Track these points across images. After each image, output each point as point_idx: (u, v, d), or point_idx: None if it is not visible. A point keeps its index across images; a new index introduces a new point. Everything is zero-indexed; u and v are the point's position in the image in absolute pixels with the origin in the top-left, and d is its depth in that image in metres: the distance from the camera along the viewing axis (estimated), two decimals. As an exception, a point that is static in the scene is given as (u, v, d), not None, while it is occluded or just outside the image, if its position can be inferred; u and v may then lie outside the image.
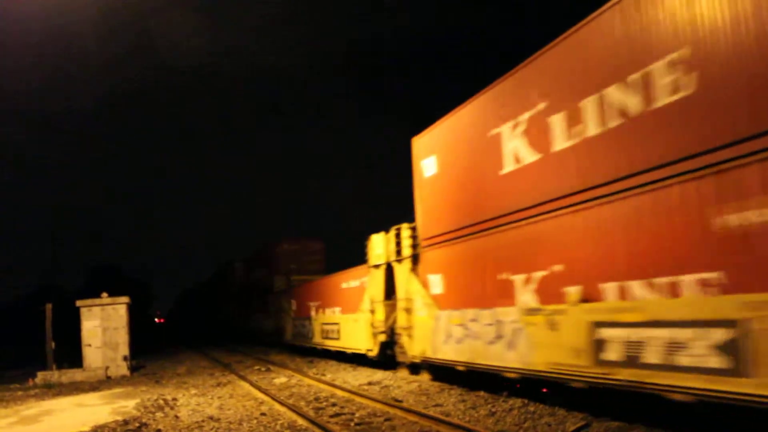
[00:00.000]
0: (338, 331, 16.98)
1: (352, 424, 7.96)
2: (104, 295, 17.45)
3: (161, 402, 10.66)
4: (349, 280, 16.42)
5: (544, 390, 8.26)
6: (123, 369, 16.88)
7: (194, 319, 61.57)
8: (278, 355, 21.31)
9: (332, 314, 17.57)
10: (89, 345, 16.88)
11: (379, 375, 12.97)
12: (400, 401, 9.31)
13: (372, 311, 14.11)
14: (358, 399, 9.94)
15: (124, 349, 17.06)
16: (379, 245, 13.56)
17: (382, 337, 13.68)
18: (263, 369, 16.28)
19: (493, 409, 8.09)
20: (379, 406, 9.11)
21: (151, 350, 28.18)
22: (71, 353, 18.23)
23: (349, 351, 15.84)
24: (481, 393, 9.41)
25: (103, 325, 17.01)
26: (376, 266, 13.83)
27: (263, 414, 9.00)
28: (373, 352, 14.06)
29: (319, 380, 12.68)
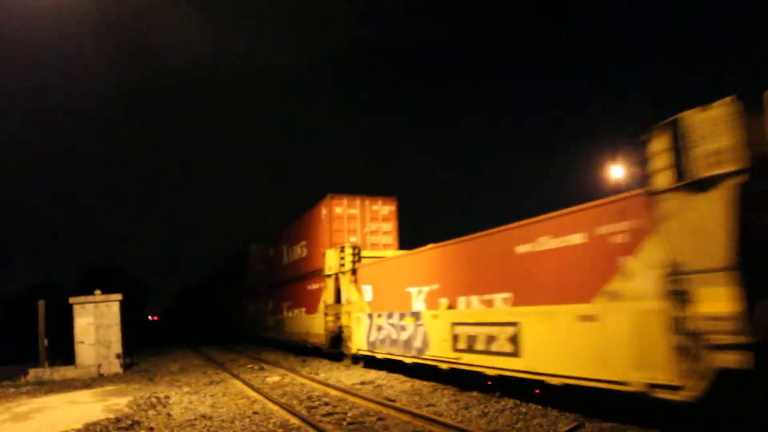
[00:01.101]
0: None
1: (345, 423, 7.95)
2: (98, 292, 17.40)
3: (154, 400, 10.63)
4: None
5: (537, 391, 8.28)
6: (116, 367, 16.83)
7: (192, 318, 61.34)
8: (272, 353, 21.29)
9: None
10: (82, 342, 16.82)
11: (372, 374, 12.97)
12: (393, 401, 9.32)
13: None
14: (350, 398, 9.94)
15: (117, 347, 17.01)
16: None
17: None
18: (256, 368, 16.27)
19: (486, 410, 8.10)
20: (371, 405, 9.11)
21: (145, 348, 28.09)
22: (65, 351, 18.16)
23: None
24: (474, 393, 9.42)
25: (96, 323, 16.96)
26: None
27: (256, 413, 8.99)
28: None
29: (312, 379, 12.68)
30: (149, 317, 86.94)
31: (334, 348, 16.37)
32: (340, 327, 15.94)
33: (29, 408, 10.80)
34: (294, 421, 8.19)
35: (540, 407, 7.92)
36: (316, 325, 17.78)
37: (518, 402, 8.33)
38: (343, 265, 15.55)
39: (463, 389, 9.84)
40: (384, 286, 13.38)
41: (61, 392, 13.02)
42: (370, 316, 13.69)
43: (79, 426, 8.48)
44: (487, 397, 9.03)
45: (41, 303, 17.18)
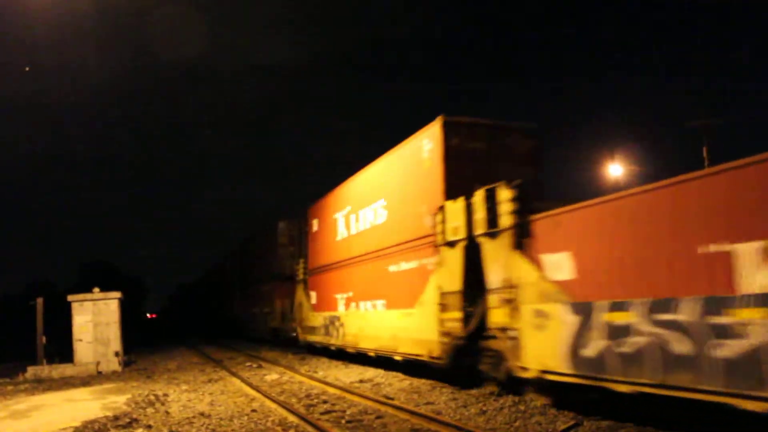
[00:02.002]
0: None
1: (343, 421, 7.96)
2: (96, 290, 17.38)
3: (152, 398, 10.63)
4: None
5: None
6: (114, 364, 16.81)
7: (191, 316, 61.20)
8: (270, 351, 21.30)
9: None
10: (80, 340, 16.81)
11: (370, 372, 12.97)
12: (392, 399, 9.32)
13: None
14: (349, 396, 9.95)
15: (115, 345, 16.99)
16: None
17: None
18: (255, 366, 16.26)
19: (484, 408, 8.10)
20: (370, 403, 9.11)
21: (144, 346, 28.08)
22: (63, 348, 18.14)
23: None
24: (473, 391, 9.43)
25: (95, 320, 16.94)
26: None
27: (254, 411, 8.99)
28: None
29: (310, 377, 12.68)
30: (147, 315, 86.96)
31: (459, 365, 9.85)
32: (481, 329, 9.24)
33: (27, 406, 10.80)
34: (292, 419, 8.20)
35: (538, 405, 7.93)
36: (419, 327, 11.06)
37: (516, 400, 8.33)
38: (492, 221, 8.82)
39: (462, 387, 9.85)
40: (606, 253, 6.91)
41: (60, 390, 13.01)
42: (582, 307, 7.15)
43: (78, 424, 8.47)
44: (485, 395, 9.04)
45: (39, 301, 17.17)
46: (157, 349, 26.38)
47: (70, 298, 17.18)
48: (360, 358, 14.48)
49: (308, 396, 10.23)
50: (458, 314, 9.68)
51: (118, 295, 17.36)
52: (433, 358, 10.37)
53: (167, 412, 9.13)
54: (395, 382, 11.28)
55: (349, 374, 13.06)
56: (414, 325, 11.23)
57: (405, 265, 11.89)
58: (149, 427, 8.07)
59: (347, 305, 15.08)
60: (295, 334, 20.42)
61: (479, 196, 9.16)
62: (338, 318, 15.71)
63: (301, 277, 19.60)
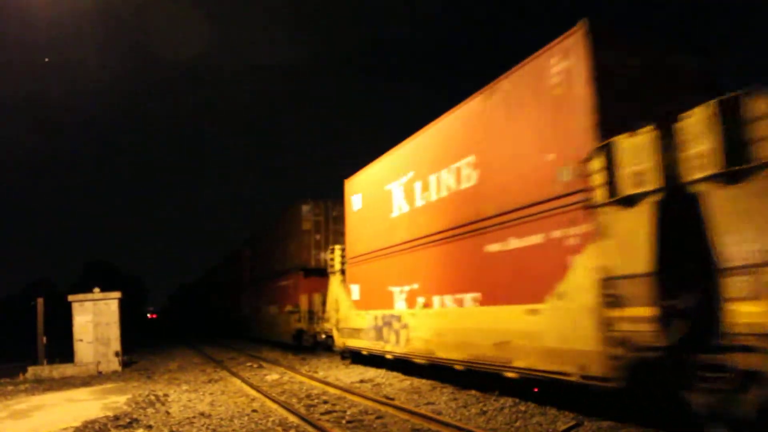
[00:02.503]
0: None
1: (344, 421, 7.96)
2: (96, 290, 17.39)
3: (152, 398, 10.62)
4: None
5: (535, 390, 8.29)
6: (114, 364, 16.81)
7: (192, 316, 60.91)
8: (270, 352, 21.29)
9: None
10: (81, 340, 16.81)
11: (371, 373, 12.97)
12: (392, 399, 9.32)
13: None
14: (349, 396, 9.95)
15: (115, 345, 16.99)
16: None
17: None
18: (255, 366, 16.26)
19: (485, 408, 8.10)
20: (370, 403, 9.11)
21: (144, 346, 28.09)
22: (63, 348, 18.15)
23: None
24: (473, 392, 9.43)
25: (95, 320, 16.94)
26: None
27: (254, 411, 8.99)
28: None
29: (311, 377, 12.68)
30: (148, 315, 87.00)
31: (646, 390, 6.35)
32: (699, 335, 5.48)
33: (28, 406, 10.80)
34: (293, 419, 8.20)
35: (538, 406, 7.93)
36: (557, 331, 7.42)
37: (517, 400, 8.33)
38: (734, 153, 5.37)
39: (462, 388, 9.84)
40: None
41: (60, 390, 13.01)
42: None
43: (78, 424, 8.47)
44: (486, 395, 9.04)
45: (40, 301, 17.17)
46: (157, 349, 26.38)
47: (70, 298, 17.19)
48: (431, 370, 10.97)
49: (309, 396, 10.23)
50: (647, 311, 6.12)
51: (118, 295, 17.37)
52: (590, 378, 6.82)
53: (168, 412, 9.13)
54: (395, 383, 11.28)
55: (350, 374, 13.06)
56: (545, 327, 7.57)
57: (518, 242, 8.29)
58: (150, 427, 8.07)
59: (410, 301, 11.51)
60: (324, 337, 17.83)
61: (701, 115, 5.66)
62: (398, 318, 11.93)
63: (337, 267, 16.08)
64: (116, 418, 8.68)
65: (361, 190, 14.68)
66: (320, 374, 13.35)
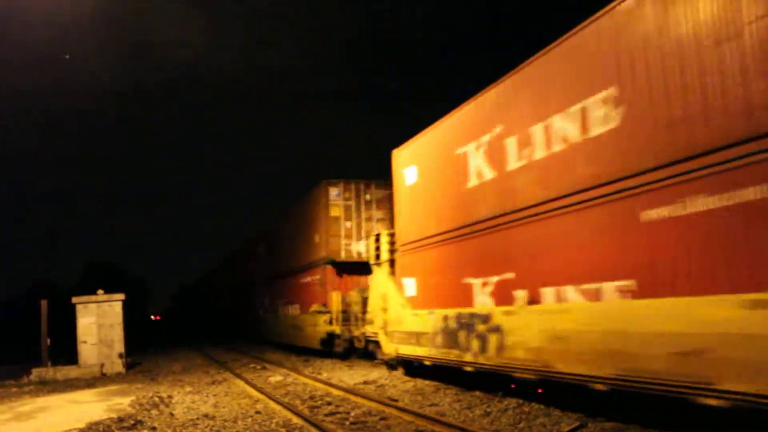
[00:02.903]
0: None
1: (347, 423, 7.96)
2: (100, 291, 17.43)
3: (156, 399, 10.65)
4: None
5: (539, 390, 8.27)
6: (118, 366, 16.85)
7: (197, 318, 60.66)
8: (274, 353, 21.31)
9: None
10: (84, 342, 16.85)
11: (374, 374, 12.97)
12: (396, 400, 9.31)
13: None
14: (353, 398, 9.94)
15: (119, 346, 17.03)
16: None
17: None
18: (259, 367, 16.27)
19: (489, 409, 8.10)
20: (374, 405, 9.11)
21: (147, 348, 28.13)
22: (67, 350, 18.20)
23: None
24: (477, 393, 9.42)
25: (99, 322, 16.99)
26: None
27: (258, 412, 9.00)
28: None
29: (314, 379, 12.68)
30: (151, 317, 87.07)
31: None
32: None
33: (32, 407, 10.83)
34: (296, 420, 8.20)
35: (542, 407, 7.92)
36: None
37: (521, 401, 8.32)
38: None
39: (466, 389, 9.84)
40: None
41: (64, 392, 13.04)
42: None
43: (82, 425, 8.50)
44: (489, 396, 9.03)
45: (44, 302, 17.22)
46: (161, 351, 26.42)
47: (74, 300, 17.24)
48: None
49: (312, 397, 10.24)
50: None
51: (122, 297, 17.41)
52: None
53: (171, 414, 9.15)
54: (399, 384, 11.28)
55: (353, 376, 13.06)
56: None
57: (711, 202, 5.58)
58: (154, 428, 8.08)
59: (499, 295, 8.79)
60: (364, 343, 15.14)
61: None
62: (484, 318, 8.83)
63: (384, 257, 12.95)
64: (120, 419, 8.70)
65: (417, 160, 11.69)
66: (324, 375, 13.36)
